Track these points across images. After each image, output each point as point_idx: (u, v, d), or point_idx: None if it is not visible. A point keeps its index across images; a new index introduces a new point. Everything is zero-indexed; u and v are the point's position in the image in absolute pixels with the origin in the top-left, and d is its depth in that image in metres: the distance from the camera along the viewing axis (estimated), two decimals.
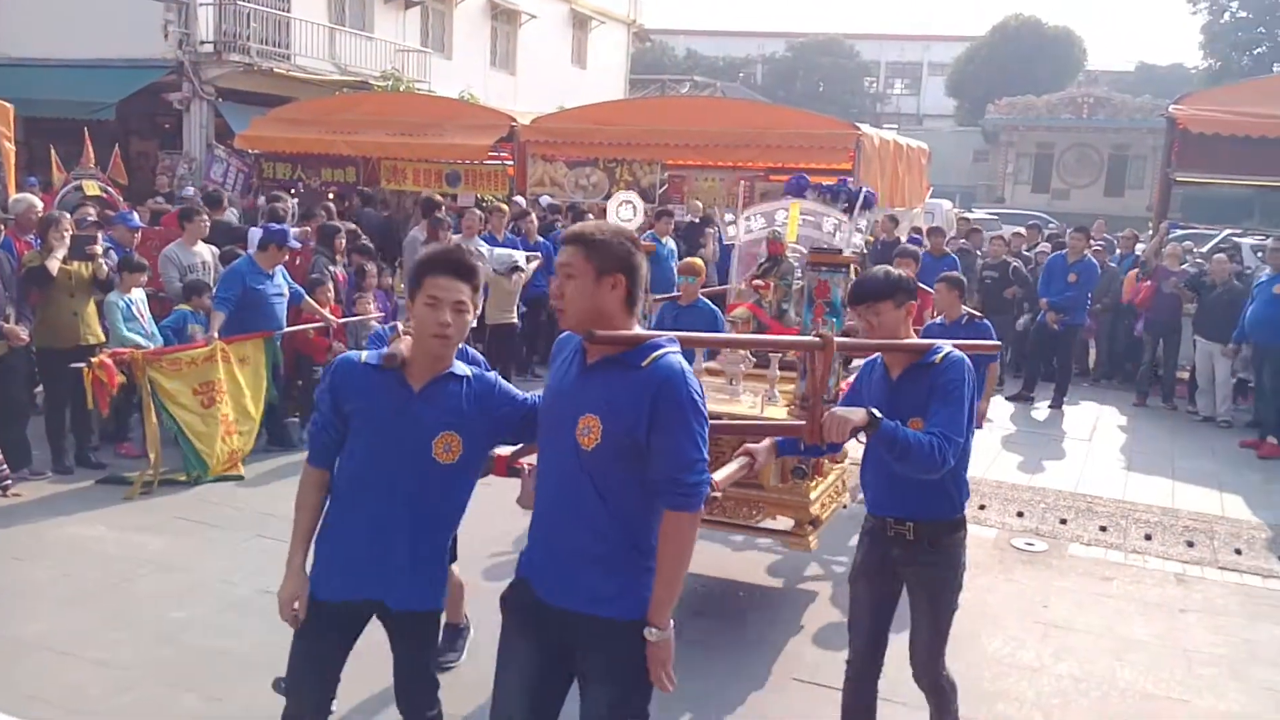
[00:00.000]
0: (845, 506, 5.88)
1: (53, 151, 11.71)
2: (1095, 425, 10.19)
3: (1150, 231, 13.22)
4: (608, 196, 14.32)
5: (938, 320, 6.79)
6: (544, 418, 2.88)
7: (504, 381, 3.12)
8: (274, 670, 4.53)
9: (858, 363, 4.63)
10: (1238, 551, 6.69)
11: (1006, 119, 38.74)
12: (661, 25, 48.13)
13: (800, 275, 5.71)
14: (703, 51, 53.66)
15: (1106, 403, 11.17)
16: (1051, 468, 8.53)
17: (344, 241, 9.20)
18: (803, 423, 3.31)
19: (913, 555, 3.57)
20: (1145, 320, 11.17)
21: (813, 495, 5.08)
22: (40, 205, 8.09)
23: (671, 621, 2.69)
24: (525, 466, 3.21)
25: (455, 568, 4.26)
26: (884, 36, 58.16)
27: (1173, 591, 6.01)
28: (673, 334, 2.84)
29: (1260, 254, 12.63)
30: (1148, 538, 6.89)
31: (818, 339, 3.29)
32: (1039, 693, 4.69)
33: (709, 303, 6.87)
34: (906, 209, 15.05)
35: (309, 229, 9.72)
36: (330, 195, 15.56)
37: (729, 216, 6.34)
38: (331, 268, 8.82)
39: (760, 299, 5.90)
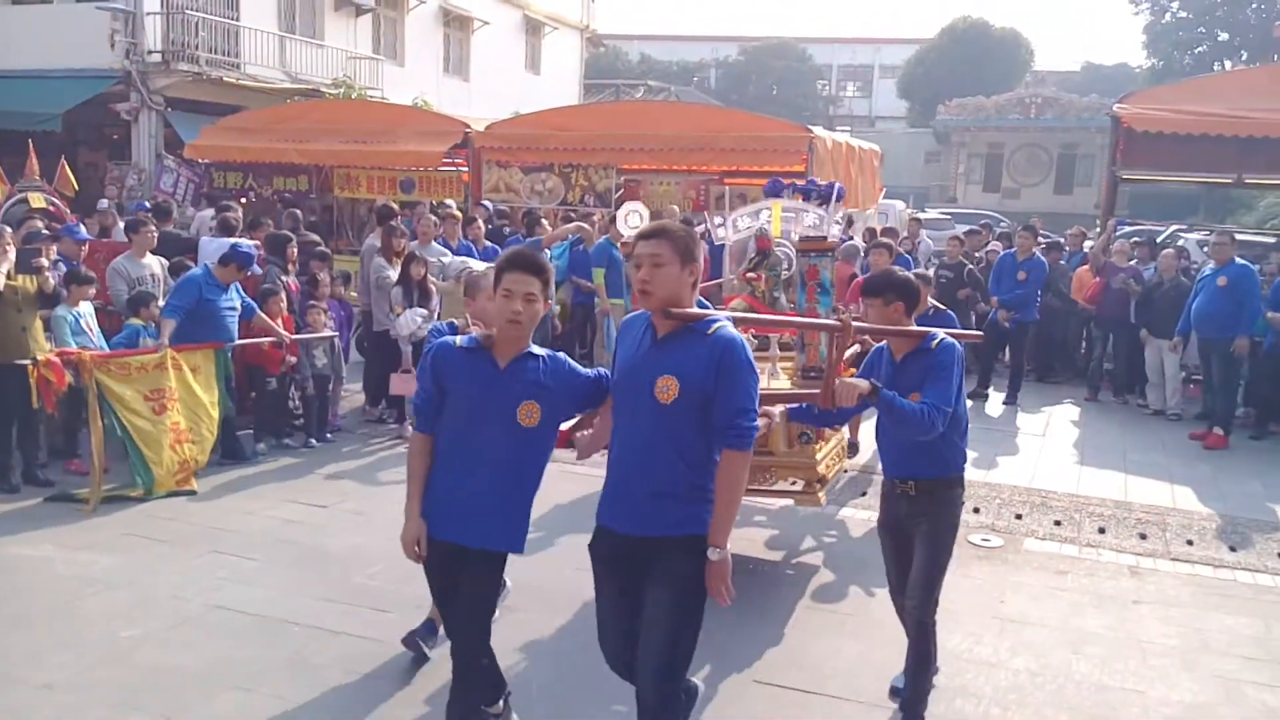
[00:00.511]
0: (846, 470, 6.66)
1: None
2: (1049, 421, 10.32)
3: (1098, 229, 13.40)
4: (563, 201, 14.35)
5: None
6: (619, 384, 3.49)
7: (572, 360, 3.72)
8: (228, 685, 4.48)
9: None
10: (1189, 543, 6.80)
11: (957, 120, 39.18)
12: (615, 30, 48.24)
13: (788, 266, 6.42)
14: (656, 56, 53.80)
15: (1059, 398, 11.32)
16: (1006, 463, 8.61)
17: (295, 250, 9.13)
18: (818, 390, 4.02)
19: (916, 509, 4.24)
20: (1095, 316, 11.33)
21: (819, 457, 5.72)
22: None
23: (728, 544, 3.29)
24: (579, 436, 3.81)
25: None
26: (835, 40, 58.65)
27: (1126, 584, 6.10)
28: (725, 313, 3.63)
29: (1205, 249, 12.84)
30: (1101, 531, 6.98)
31: (838, 324, 4.17)
32: (996, 687, 4.73)
33: (700, 298, 7.08)
34: (860, 210, 15.17)
35: (258, 239, 9.62)
36: (280, 204, 15.44)
37: (718, 219, 6.79)
38: (284, 277, 8.75)
39: (754, 290, 6.46)
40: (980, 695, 4.65)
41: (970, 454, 8.42)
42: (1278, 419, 9.92)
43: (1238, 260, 9.67)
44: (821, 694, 4.60)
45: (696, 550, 3.26)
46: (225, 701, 4.37)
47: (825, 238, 6.20)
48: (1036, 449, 9.16)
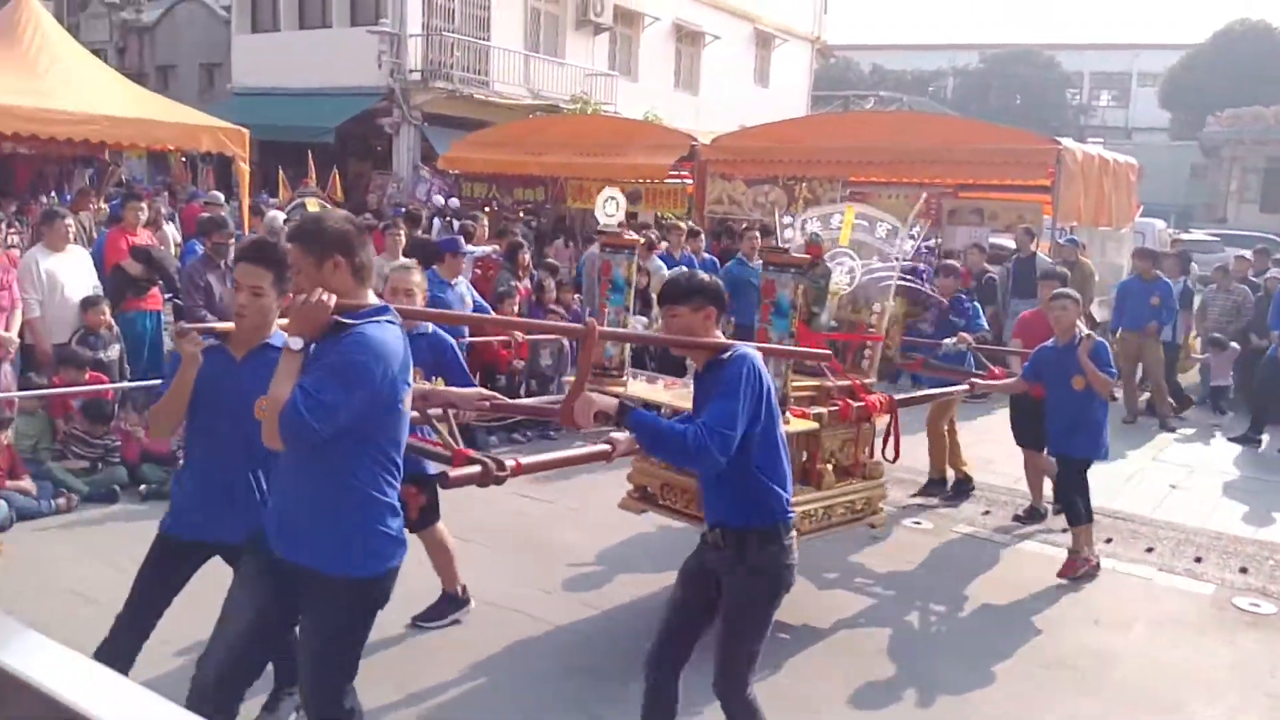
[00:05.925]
0: None
1: (280, 172, 12.57)
2: None
3: None
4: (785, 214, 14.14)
5: (1050, 343, 6.32)
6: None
7: None
8: None
9: None
10: None
11: (1230, 132, 36.09)
12: (846, 41, 47.40)
13: (849, 281, 5.60)
14: (889, 66, 52.59)
15: None
16: None
17: (528, 257, 9.48)
18: (558, 406, 3.48)
19: (724, 563, 3.36)
20: None
21: None
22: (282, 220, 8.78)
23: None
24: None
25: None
26: (1086, 46, 55.46)
27: None
28: (435, 311, 3.66)
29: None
30: None
31: (581, 326, 3.46)
32: None
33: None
34: (1113, 228, 14.17)
35: (498, 245, 10.11)
36: (521, 214, 16.14)
37: (786, 219, 5.95)
38: (515, 282, 9.07)
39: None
40: None
41: (1239, 507, 7.71)
42: None
43: None
44: None
45: (337, 588, 2.86)
46: None
47: (787, 250, 5.02)
48: None
